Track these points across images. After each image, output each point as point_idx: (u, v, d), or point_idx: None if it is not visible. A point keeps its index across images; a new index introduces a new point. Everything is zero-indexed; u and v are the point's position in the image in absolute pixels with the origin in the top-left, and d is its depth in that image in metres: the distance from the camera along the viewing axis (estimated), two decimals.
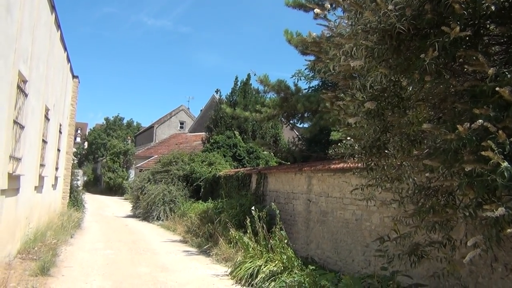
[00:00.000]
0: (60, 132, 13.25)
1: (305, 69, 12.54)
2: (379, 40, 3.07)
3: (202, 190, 16.47)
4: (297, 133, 17.65)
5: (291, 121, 11.37)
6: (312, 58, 11.95)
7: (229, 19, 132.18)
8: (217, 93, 24.16)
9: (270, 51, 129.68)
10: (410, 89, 3.74)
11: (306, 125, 11.47)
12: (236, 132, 19.79)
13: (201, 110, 36.63)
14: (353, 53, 3.17)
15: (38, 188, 9.39)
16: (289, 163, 14.88)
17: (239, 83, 21.15)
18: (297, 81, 11.28)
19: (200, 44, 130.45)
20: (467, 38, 2.85)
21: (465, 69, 2.99)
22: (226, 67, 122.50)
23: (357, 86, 3.37)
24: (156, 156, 28.76)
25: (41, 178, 9.63)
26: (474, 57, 2.77)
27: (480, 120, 2.66)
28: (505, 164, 2.53)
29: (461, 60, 3.13)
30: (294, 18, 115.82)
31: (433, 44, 2.84)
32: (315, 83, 12.59)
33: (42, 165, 9.80)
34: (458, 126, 2.62)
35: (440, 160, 3.11)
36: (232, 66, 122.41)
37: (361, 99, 3.59)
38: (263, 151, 18.79)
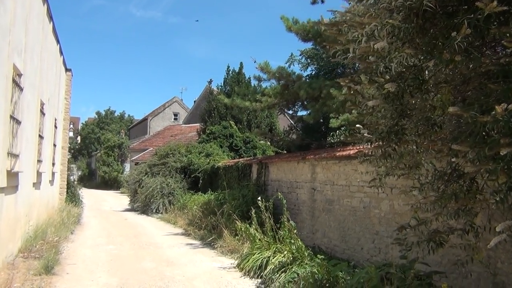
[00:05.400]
0: (56, 127, 12.99)
1: (300, 56, 12.46)
2: (404, 19, 2.90)
3: (200, 181, 16.31)
4: (291, 122, 17.49)
5: (291, 109, 11.21)
6: (310, 45, 11.82)
7: (219, 8, 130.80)
8: (210, 83, 23.88)
9: (263, 40, 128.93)
10: (427, 72, 3.58)
11: (306, 113, 11.32)
12: (232, 122, 19.58)
13: (194, 101, 36.26)
14: (375, 33, 3.00)
15: (36, 185, 9.17)
16: (285, 151, 14.73)
17: (231, 72, 20.89)
18: (289, 67, 11.23)
19: (191, 34, 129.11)
20: (500, 14, 2.69)
21: (495, 47, 2.84)
22: (219, 57, 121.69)
23: (380, 70, 3.20)
24: (151, 148, 28.47)
25: (39, 174, 9.41)
26: (508, 34, 2.62)
27: None
28: None
29: (487, 39, 2.98)
30: (287, 3, 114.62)
31: (463, 22, 2.68)
32: (310, 70, 12.59)
33: (39, 161, 9.57)
34: (496, 107, 2.47)
35: (469, 144, 2.97)
36: (225, 56, 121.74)
37: (380, 81, 3.42)
38: (260, 140, 18.65)
